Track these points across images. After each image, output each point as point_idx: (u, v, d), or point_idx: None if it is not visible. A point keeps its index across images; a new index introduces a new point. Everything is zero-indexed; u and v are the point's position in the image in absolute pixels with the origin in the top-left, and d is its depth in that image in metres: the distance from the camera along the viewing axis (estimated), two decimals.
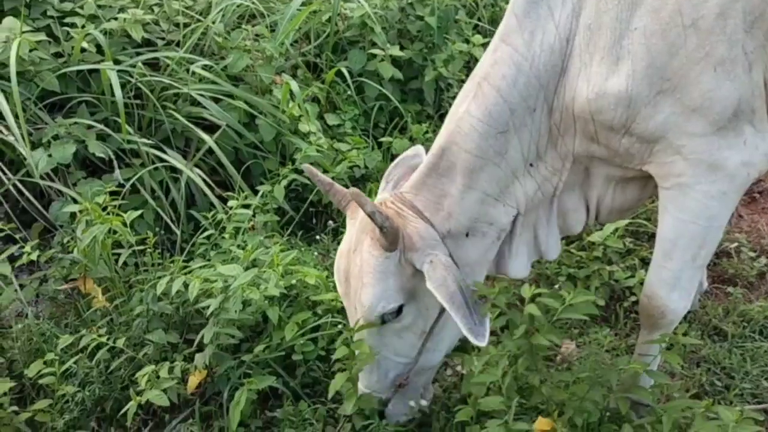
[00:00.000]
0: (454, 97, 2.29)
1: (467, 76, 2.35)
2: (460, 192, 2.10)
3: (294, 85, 3.45)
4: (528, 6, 2.03)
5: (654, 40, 1.96)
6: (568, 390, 2.17)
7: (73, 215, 2.89)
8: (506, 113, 2.05)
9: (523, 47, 2.04)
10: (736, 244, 3.32)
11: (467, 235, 2.13)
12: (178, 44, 3.56)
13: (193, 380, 2.35)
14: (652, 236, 3.36)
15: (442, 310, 2.08)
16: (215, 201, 3.19)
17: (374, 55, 3.84)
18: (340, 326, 2.42)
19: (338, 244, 3.29)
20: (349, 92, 3.84)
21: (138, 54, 3.45)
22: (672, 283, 2.14)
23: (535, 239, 2.29)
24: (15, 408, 2.37)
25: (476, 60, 3.61)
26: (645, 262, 3.12)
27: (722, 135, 2.01)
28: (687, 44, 1.94)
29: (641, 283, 2.88)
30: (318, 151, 3.37)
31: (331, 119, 3.76)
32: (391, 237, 2.00)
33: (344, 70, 3.77)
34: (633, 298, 2.95)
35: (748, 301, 3.00)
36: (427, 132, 3.69)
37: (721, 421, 1.97)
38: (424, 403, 2.24)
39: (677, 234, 2.11)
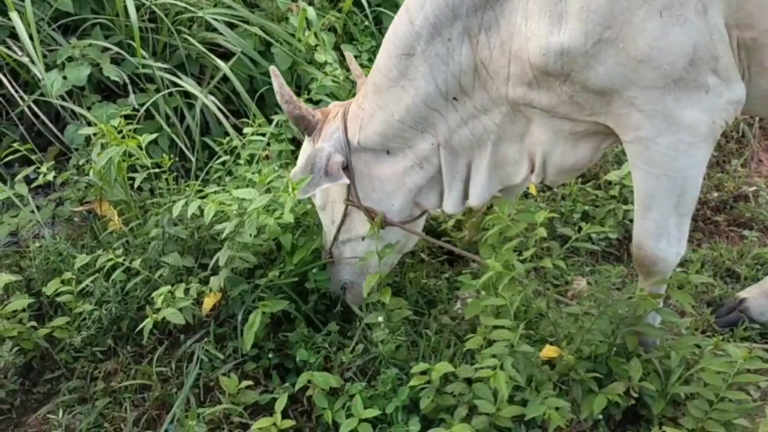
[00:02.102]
0: None
1: None
2: (371, 108, 2.17)
3: (311, 13, 3.38)
4: None
5: None
6: (577, 322, 2.20)
7: (88, 139, 2.89)
8: (411, 36, 2.01)
9: None
10: (754, 188, 3.29)
11: (388, 152, 2.22)
12: None
13: (208, 302, 2.38)
14: None
15: (345, 213, 2.32)
16: (230, 129, 3.17)
17: None
18: None
19: None
20: (366, 23, 3.75)
21: None
22: (657, 232, 2.05)
23: (467, 180, 2.25)
24: (34, 323, 2.43)
25: None
26: None
27: (679, 87, 1.82)
28: None
29: None
30: (333, 81, 3.32)
31: (348, 50, 3.68)
32: (293, 120, 2.28)
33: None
34: None
35: (763, 245, 2.99)
36: None
37: (729, 357, 1.99)
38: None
39: (652, 187, 1.99)
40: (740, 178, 3.36)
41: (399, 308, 2.24)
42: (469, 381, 2.00)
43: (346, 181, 2.19)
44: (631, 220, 3.00)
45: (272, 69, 2.24)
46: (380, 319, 2.18)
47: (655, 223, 2.04)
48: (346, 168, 2.24)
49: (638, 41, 1.77)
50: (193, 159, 3.10)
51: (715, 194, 3.28)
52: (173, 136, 3.11)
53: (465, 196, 2.28)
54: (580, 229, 2.17)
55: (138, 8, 3.15)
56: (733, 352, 1.99)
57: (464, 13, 1.93)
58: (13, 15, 2.92)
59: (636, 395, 2.01)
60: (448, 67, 2.01)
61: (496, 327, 1.97)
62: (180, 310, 2.21)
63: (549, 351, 1.98)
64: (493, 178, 2.23)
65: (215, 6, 3.36)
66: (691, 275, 2.15)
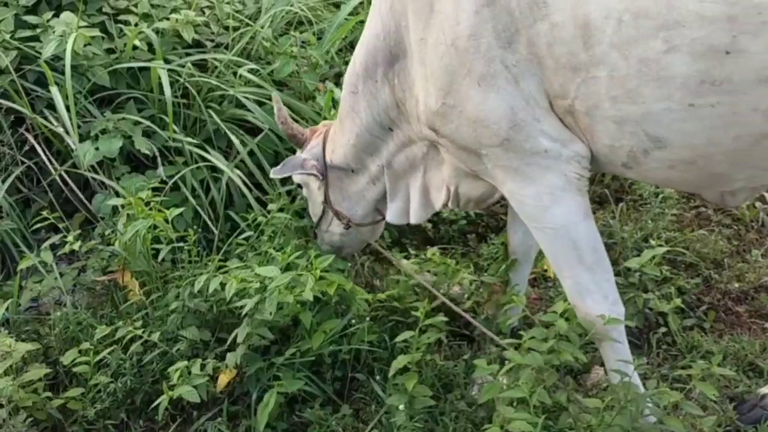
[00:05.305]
0: None
1: None
2: (338, 135, 2.60)
3: (337, 93, 3.48)
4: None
5: (428, 52, 2.07)
6: (597, 415, 2.15)
7: (115, 208, 2.95)
8: (354, 76, 2.40)
9: (365, 29, 2.34)
10: None
11: (353, 171, 2.64)
12: (226, 47, 3.62)
13: (223, 379, 2.37)
14: (689, 265, 3.31)
15: (323, 211, 2.79)
16: (253, 202, 3.23)
17: None
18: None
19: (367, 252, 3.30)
20: None
21: (187, 54, 3.52)
22: (578, 290, 2.10)
23: (407, 199, 2.59)
24: (48, 394, 2.42)
25: None
26: (681, 291, 3.07)
27: (515, 146, 2.01)
28: (452, 61, 2.01)
29: (676, 312, 2.86)
30: None
31: None
32: (287, 137, 2.78)
33: None
34: (666, 328, 2.90)
35: None
36: None
37: None
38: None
39: (545, 243, 2.14)
40: (761, 269, 3.33)
41: (423, 396, 2.21)
42: None
43: (315, 173, 2.65)
44: (651, 309, 3.00)
45: (274, 95, 2.67)
46: (402, 407, 2.16)
47: (571, 281, 2.12)
48: (323, 176, 2.67)
49: (468, 106, 2.03)
50: (216, 232, 3.14)
51: (736, 285, 3.24)
52: (198, 208, 3.17)
53: (405, 212, 2.63)
54: None
55: (171, 84, 3.27)
56: None
57: (382, 62, 2.29)
58: (53, 89, 3.04)
59: None
60: (378, 103, 2.38)
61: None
62: (195, 387, 2.20)
63: None
64: (423, 200, 2.54)
65: (245, 84, 3.48)
66: (714, 367, 2.11)
